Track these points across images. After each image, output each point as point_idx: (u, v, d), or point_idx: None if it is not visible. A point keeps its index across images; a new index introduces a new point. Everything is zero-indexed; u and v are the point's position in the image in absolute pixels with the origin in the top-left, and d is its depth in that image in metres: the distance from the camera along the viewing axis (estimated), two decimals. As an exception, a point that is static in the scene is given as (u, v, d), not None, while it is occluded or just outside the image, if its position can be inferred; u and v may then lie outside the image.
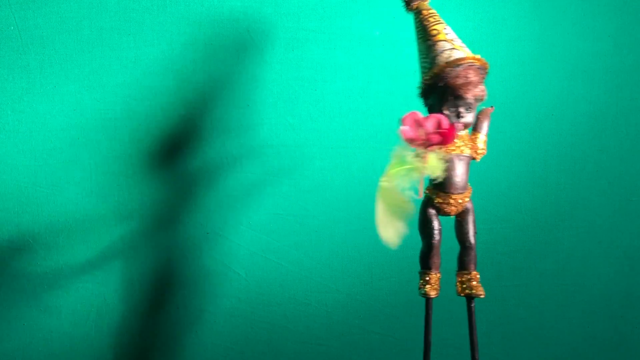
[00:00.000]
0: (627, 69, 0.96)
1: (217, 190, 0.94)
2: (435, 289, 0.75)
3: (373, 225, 0.97)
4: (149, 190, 0.93)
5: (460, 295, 0.75)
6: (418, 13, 0.76)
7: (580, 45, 0.95)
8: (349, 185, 0.95)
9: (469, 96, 0.71)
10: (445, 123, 0.68)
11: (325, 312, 0.97)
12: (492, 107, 0.77)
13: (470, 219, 0.75)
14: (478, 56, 0.71)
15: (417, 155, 0.69)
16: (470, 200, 0.75)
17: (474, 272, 0.75)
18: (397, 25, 0.93)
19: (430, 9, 0.75)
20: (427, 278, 0.75)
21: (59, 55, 0.89)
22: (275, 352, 0.98)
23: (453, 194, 0.74)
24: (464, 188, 0.74)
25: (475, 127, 0.75)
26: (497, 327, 1.01)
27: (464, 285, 0.75)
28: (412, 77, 0.94)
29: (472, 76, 0.71)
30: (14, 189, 0.91)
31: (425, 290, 0.75)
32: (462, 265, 0.75)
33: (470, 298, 0.75)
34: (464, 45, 0.72)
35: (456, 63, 0.70)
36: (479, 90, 0.72)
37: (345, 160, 0.95)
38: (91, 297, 0.95)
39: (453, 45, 0.72)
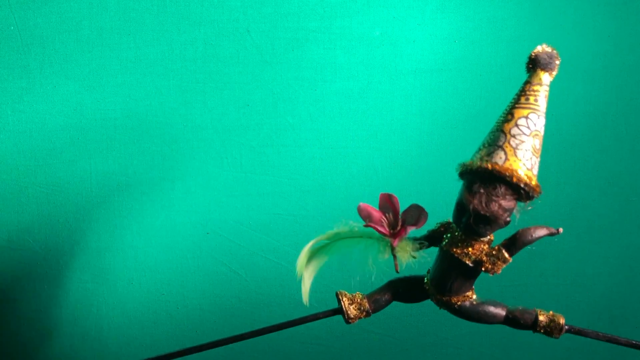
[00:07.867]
0: (627, 69, 0.96)
1: (217, 190, 0.94)
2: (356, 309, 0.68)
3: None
4: (149, 190, 0.93)
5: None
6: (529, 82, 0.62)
7: (580, 45, 0.95)
8: (349, 185, 0.95)
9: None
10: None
11: (325, 312, 0.97)
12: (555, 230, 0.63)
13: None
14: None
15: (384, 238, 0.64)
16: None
17: None
18: (397, 25, 0.93)
19: (539, 82, 0.61)
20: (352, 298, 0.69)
21: (59, 55, 0.89)
22: (275, 352, 0.98)
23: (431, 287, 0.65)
24: (444, 289, 0.64)
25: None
26: (497, 327, 1.00)
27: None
28: (412, 77, 0.94)
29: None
30: (14, 189, 0.91)
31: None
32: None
33: None
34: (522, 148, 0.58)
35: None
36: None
37: (345, 160, 0.95)
38: (91, 297, 0.95)
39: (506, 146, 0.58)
